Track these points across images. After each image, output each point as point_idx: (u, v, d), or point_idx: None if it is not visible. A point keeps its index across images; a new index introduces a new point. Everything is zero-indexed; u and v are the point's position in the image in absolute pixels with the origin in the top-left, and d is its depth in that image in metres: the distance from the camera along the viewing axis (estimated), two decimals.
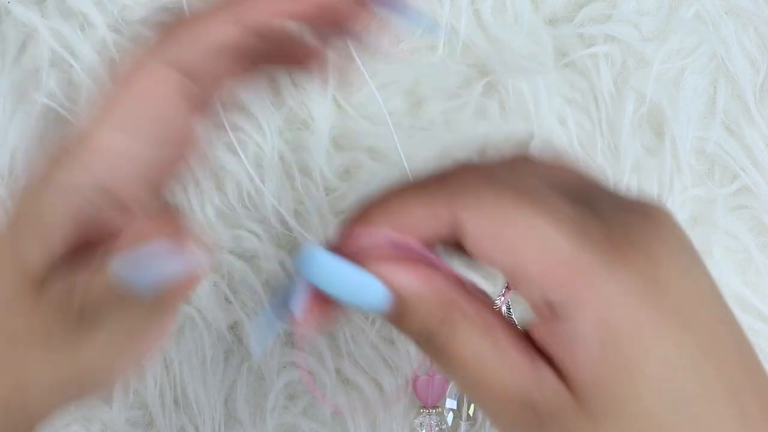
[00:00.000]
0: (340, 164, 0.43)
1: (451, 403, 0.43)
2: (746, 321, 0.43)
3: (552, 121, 0.43)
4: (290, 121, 0.43)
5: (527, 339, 0.24)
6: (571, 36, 0.43)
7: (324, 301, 0.24)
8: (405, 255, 0.24)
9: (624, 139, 0.43)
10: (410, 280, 0.24)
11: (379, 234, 0.24)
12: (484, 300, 0.25)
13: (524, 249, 0.22)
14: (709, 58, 0.43)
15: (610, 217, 0.23)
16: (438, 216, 0.23)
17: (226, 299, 0.43)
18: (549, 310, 0.22)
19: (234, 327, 0.43)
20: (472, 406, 0.43)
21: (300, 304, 0.24)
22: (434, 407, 0.43)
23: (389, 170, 0.43)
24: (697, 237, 0.44)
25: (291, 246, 0.43)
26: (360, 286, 0.23)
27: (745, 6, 0.43)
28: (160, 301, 0.24)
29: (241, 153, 0.43)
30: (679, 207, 0.43)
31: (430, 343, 0.24)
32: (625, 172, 0.43)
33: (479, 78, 0.43)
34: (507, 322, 0.24)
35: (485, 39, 0.43)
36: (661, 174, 0.43)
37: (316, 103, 0.43)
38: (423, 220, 0.24)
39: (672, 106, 0.43)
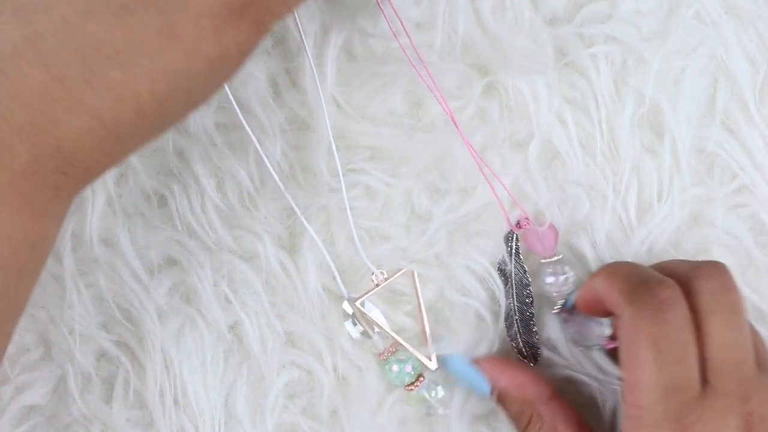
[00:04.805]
0: (340, 164, 0.43)
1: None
2: None
3: (552, 121, 0.43)
4: (291, 120, 0.43)
5: None
6: (571, 36, 0.43)
7: None
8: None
9: (624, 139, 0.43)
10: (505, 382, 0.40)
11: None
12: (562, 408, 0.40)
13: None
14: (709, 58, 0.43)
15: None
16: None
17: (226, 299, 0.43)
18: None
19: (234, 327, 0.43)
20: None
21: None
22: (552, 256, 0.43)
23: (389, 170, 0.43)
24: (696, 236, 0.44)
25: (292, 245, 0.43)
26: (477, 381, 0.41)
27: (745, 6, 0.43)
28: None
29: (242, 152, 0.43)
30: (679, 206, 0.43)
31: (515, 421, 0.40)
32: (624, 172, 0.43)
33: (479, 78, 0.43)
34: (572, 424, 0.39)
35: (485, 39, 0.43)
36: (660, 173, 0.43)
37: (316, 102, 0.43)
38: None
39: (672, 106, 0.43)
